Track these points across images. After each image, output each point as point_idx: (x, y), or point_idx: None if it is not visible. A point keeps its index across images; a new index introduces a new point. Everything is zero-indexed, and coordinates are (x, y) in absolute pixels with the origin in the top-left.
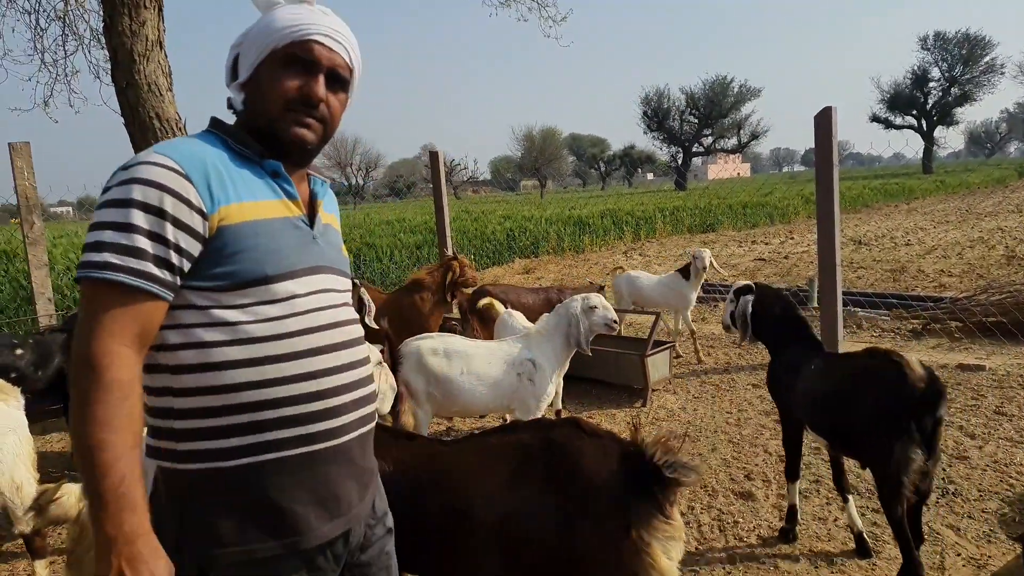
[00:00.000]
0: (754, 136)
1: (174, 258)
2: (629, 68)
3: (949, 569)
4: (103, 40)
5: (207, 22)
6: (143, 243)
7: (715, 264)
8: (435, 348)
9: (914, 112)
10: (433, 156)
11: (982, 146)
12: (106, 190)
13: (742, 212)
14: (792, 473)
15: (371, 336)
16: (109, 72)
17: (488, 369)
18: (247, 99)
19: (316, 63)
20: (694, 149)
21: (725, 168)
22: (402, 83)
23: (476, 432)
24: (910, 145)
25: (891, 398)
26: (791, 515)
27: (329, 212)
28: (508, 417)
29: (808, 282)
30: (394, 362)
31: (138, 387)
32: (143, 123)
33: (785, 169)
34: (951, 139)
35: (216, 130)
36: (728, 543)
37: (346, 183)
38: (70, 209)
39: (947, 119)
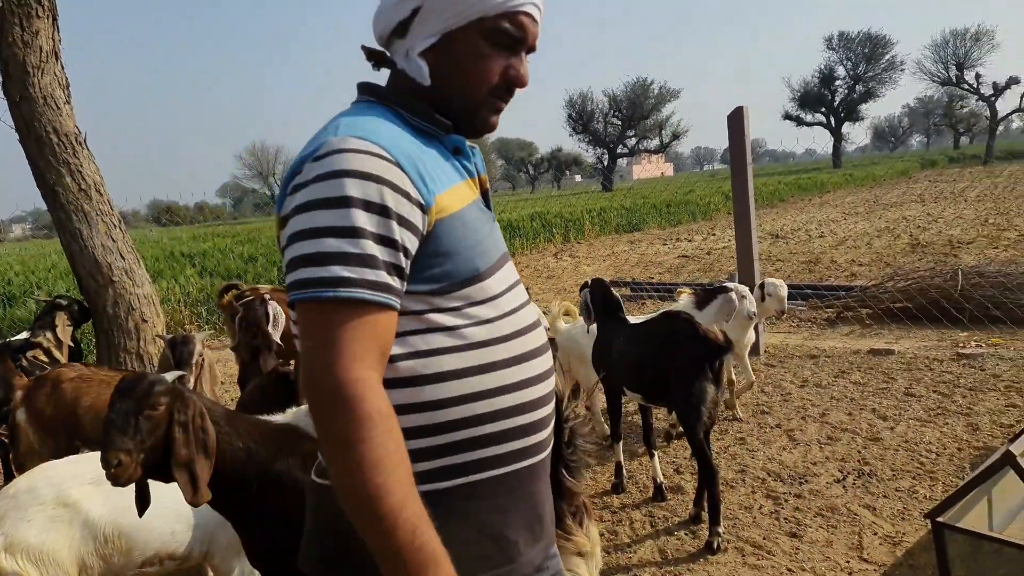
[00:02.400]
0: (675, 136)
1: (403, 262)
2: (553, 71)
3: (867, 548)
4: None
5: (107, 32)
6: (373, 249)
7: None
8: None
9: (823, 109)
10: None
11: (886, 140)
12: (299, 187)
13: (666, 211)
14: (616, 435)
15: (285, 353)
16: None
17: None
18: (435, 70)
19: (524, 41)
20: (618, 150)
21: (649, 168)
22: (326, 88)
23: None
24: (817, 141)
25: (695, 349)
26: (619, 471)
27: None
28: None
29: (728, 276)
30: None
31: (395, 416)
32: (39, 138)
33: (706, 167)
34: (857, 134)
35: (379, 99)
36: (659, 537)
37: (269, 192)
38: None
39: (853, 115)
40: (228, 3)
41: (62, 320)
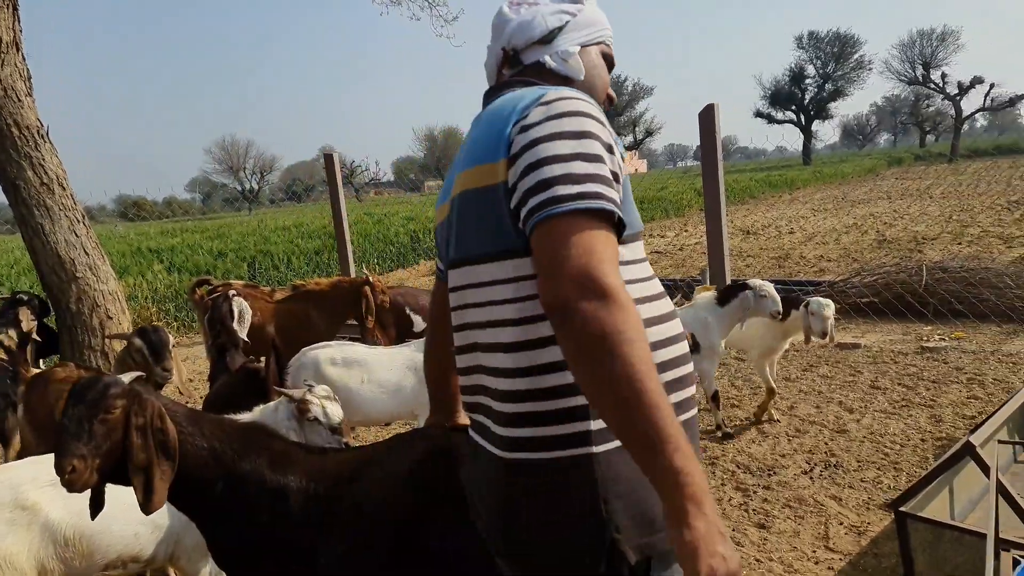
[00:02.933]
0: (648, 133)
1: (618, 198)
2: None
3: (833, 538)
4: None
5: (69, 23)
6: (609, 177)
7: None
8: (333, 357)
9: (793, 107)
10: (328, 158)
11: (855, 138)
12: (532, 126)
13: (640, 207)
14: None
15: (253, 348)
16: None
17: (389, 376)
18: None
19: (612, 68)
20: None
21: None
22: (297, 83)
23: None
24: (786, 139)
25: None
26: None
27: None
28: (414, 424)
29: (701, 272)
30: (280, 373)
31: None
32: (1, 131)
33: (680, 164)
34: (827, 132)
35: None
36: None
37: (239, 187)
38: None
39: (823, 113)
40: None
41: (26, 315)
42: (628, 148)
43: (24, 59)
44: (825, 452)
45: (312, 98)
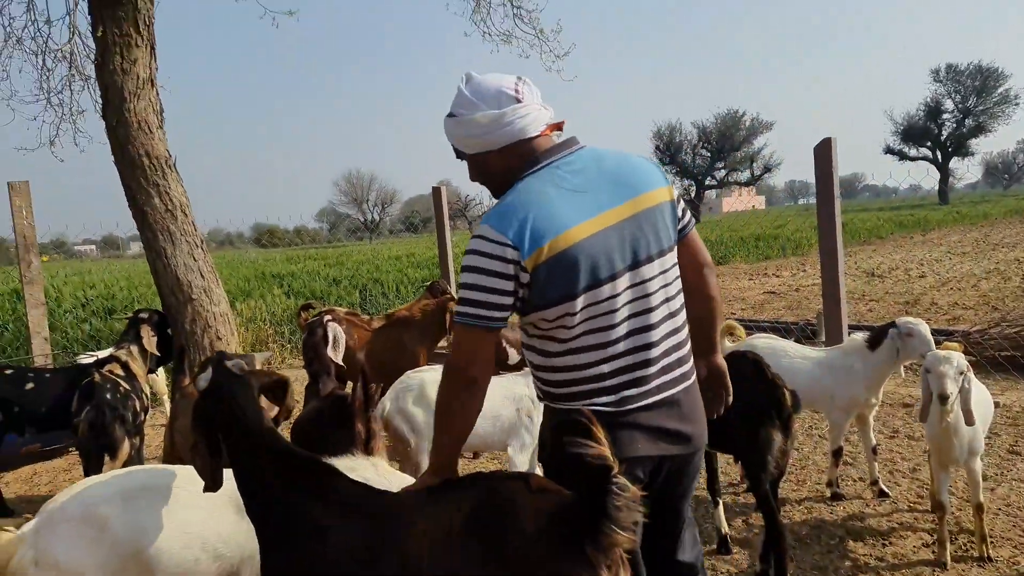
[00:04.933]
0: (767, 169)
1: None
2: (638, 102)
3: None
4: None
5: (201, 61)
6: None
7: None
8: (437, 380)
9: (928, 143)
10: (436, 192)
11: (999, 177)
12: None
13: (754, 244)
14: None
15: (348, 375)
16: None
17: (490, 403)
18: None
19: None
20: (707, 182)
21: (740, 201)
22: (419, 120)
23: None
24: (918, 176)
25: (760, 392)
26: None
27: None
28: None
29: (817, 316)
30: (366, 399)
31: None
32: (132, 160)
33: (801, 201)
34: (967, 170)
35: None
36: None
37: (362, 218)
38: (94, 248)
39: (962, 150)
40: (327, 34)
41: (147, 332)
42: (744, 184)
43: (158, 94)
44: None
45: (432, 134)
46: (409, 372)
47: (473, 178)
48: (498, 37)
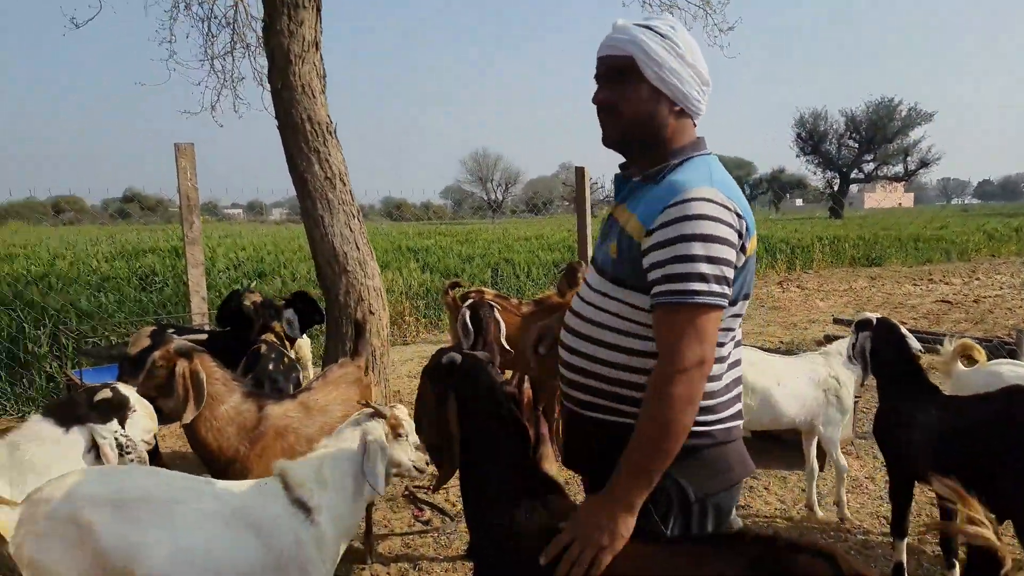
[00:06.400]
0: (923, 164)
1: None
2: (778, 87)
3: None
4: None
5: (363, 24)
6: None
7: None
8: (750, 359)
9: None
10: (579, 172)
11: None
12: (686, 218)
13: (913, 246)
14: (899, 530)
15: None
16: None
17: (796, 382)
18: None
19: (597, 78)
20: (852, 175)
21: (886, 197)
22: (544, 101)
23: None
24: None
25: None
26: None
27: (630, 210)
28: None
29: (1015, 334)
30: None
31: None
32: (295, 126)
33: (955, 201)
34: None
35: None
36: None
37: (486, 197)
38: (240, 211)
39: None
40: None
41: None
42: (895, 179)
43: (321, 58)
44: None
45: (557, 115)
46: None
47: (626, 115)
48: (659, 6)
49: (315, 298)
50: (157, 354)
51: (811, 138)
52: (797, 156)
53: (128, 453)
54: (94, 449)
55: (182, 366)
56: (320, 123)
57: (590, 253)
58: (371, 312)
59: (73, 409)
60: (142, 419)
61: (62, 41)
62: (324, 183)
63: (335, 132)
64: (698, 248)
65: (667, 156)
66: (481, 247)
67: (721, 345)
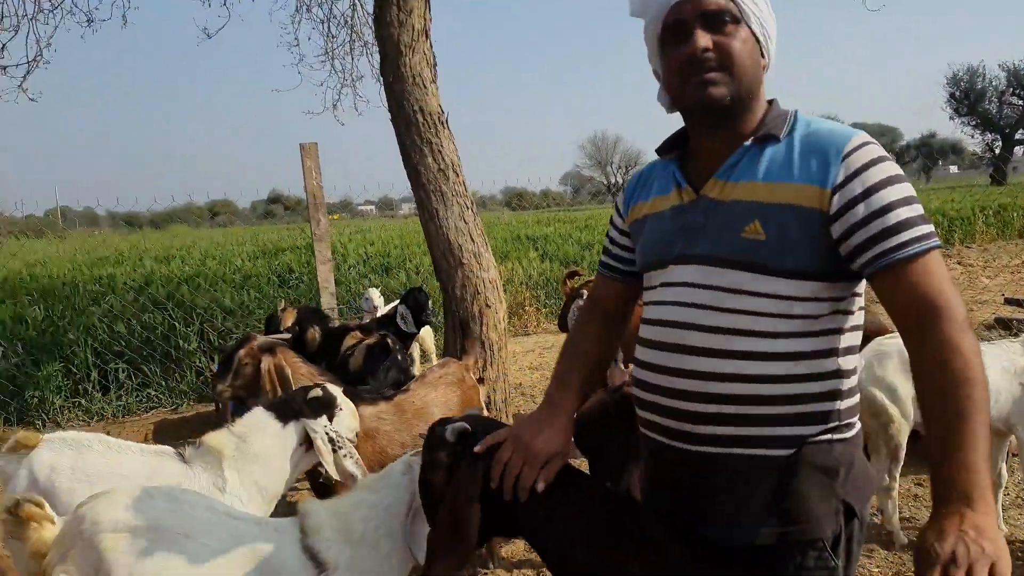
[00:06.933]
0: None
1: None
2: (924, 48)
3: None
4: None
5: (472, 11)
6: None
7: None
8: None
9: None
10: None
11: None
12: (870, 164)
13: None
14: None
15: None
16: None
17: (987, 375)
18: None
19: (684, 23)
20: (1017, 136)
21: None
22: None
23: None
24: None
25: None
26: None
27: (746, 180)
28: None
29: None
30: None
31: None
32: (407, 118)
33: None
34: None
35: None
36: None
37: (605, 181)
38: (373, 208)
39: None
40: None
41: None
42: None
43: (431, 47)
44: None
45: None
46: (881, 339)
47: (745, 64)
48: None
49: (427, 294)
50: (242, 352)
51: (967, 97)
52: (951, 118)
53: (340, 448)
54: (305, 443)
55: (267, 362)
56: (432, 113)
57: None
58: (487, 305)
59: (290, 405)
60: (347, 417)
61: (197, 53)
62: (437, 175)
63: (447, 122)
64: (908, 189)
65: (764, 115)
66: (600, 233)
67: (855, 330)
